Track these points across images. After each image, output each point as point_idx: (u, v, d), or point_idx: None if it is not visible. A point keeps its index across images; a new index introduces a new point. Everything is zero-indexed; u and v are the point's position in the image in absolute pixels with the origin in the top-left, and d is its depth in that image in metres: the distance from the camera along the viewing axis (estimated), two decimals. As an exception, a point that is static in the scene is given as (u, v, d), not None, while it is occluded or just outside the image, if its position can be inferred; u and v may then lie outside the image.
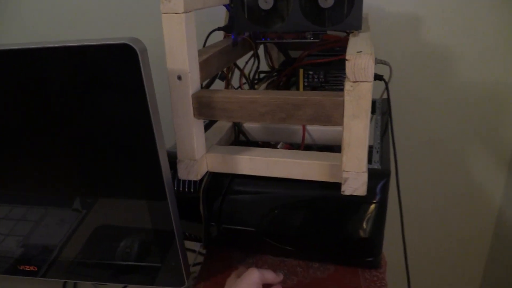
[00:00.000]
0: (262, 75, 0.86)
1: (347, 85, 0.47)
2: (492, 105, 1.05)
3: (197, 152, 0.56)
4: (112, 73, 0.48)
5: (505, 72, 1.01)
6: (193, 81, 0.53)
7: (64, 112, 0.52)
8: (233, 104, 0.53)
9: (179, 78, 0.52)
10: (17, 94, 0.52)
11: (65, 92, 0.50)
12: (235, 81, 0.78)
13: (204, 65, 0.56)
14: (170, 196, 0.54)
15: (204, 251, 0.73)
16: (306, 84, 0.76)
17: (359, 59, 0.45)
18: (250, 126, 0.72)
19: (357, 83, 0.46)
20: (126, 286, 0.77)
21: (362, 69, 0.45)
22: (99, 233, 0.62)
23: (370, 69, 0.45)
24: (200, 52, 0.57)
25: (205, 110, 0.54)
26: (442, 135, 1.11)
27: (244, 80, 0.77)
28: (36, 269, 0.65)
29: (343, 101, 0.48)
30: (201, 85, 0.70)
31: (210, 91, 0.55)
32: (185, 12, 0.49)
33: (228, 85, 0.76)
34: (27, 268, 0.65)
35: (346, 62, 0.46)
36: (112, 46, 0.46)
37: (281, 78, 0.78)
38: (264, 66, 0.86)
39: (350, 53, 0.46)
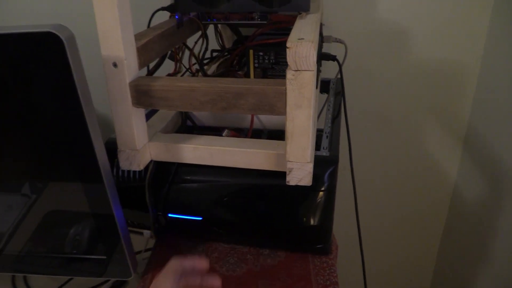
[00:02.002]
0: (214, 54, 0.84)
1: (289, 74, 0.46)
2: (446, 82, 1.06)
3: (138, 142, 0.54)
4: (39, 61, 0.45)
5: (458, 49, 1.02)
6: (130, 68, 0.51)
7: (-10, 102, 0.49)
8: (172, 92, 0.51)
9: (115, 65, 0.50)
10: None
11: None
12: (185, 61, 0.75)
13: (142, 50, 0.53)
14: (107, 182, 0.52)
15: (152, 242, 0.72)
16: (256, 65, 0.74)
17: (300, 46, 0.44)
18: (198, 112, 0.71)
19: (298, 71, 0.45)
20: (72, 278, 0.76)
21: (303, 57, 0.44)
22: (44, 224, 0.60)
23: (311, 57, 0.44)
24: (138, 36, 0.55)
25: (144, 98, 0.52)
26: (397, 112, 1.12)
27: (194, 61, 0.75)
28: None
29: (285, 89, 0.47)
30: (148, 69, 0.69)
31: (149, 78, 0.53)
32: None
33: (177, 66, 0.73)
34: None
35: (287, 50, 0.44)
36: (37, 34, 0.43)
37: (233, 57, 0.77)
38: (215, 46, 0.84)
39: (291, 41, 0.45)
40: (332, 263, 0.63)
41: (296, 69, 0.45)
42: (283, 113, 0.49)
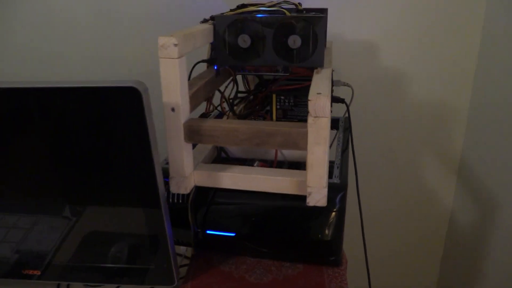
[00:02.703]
0: (239, 95, 0.99)
1: (310, 119, 0.60)
2: (440, 119, 1.21)
3: (186, 170, 0.68)
4: (120, 109, 0.60)
5: (449, 90, 1.18)
6: (184, 112, 0.65)
7: (76, 139, 0.63)
8: (218, 131, 0.65)
9: (173, 110, 0.64)
10: (36, 124, 0.63)
11: (77, 123, 0.62)
12: (215, 101, 0.90)
13: (193, 97, 0.68)
14: (163, 206, 0.66)
15: (189, 255, 0.85)
16: (278, 107, 0.89)
17: (319, 100, 0.58)
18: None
19: (317, 117, 0.60)
20: (119, 286, 0.89)
21: (321, 107, 0.59)
22: (94, 238, 0.73)
23: (327, 108, 0.59)
24: (189, 85, 0.70)
25: (194, 136, 0.66)
26: (397, 147, 1.26)
27: (223, 101, 0.90)
28: (39, 273, 0.76)
29: (307, 131, 0.61)
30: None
31: (199, 120, 0.68)
32: (179, 57, 0.61)
33: (209, 106, 0.88)
34: (30, 272, 0.76)
35: (309, 101, 0.59)
36: (120, 89, 0.58)
37: (259, 100, 0.91)
38: (241, 87, 0.99)
39: (312, 94, 0.59)
40: (342, 273, 0.76)
41: (316, 116, 0.60)
42: (305, 148, 0.63)
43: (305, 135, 0.62)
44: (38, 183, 0.69)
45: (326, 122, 0.60)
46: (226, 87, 0.91)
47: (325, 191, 0.64)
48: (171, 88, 0.63)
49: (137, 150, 0.62)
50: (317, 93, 0.59)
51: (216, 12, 0.82)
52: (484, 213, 1.13)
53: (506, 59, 1.01)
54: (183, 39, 0.62)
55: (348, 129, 0.97)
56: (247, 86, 0.98)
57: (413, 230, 1.38)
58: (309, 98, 0.59)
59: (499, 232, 1.06)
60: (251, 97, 0.93)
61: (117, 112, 0.60)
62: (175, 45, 0.60)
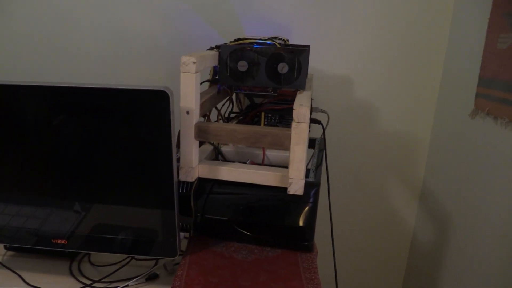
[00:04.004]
0: (232, 115, 1.20)
1: (293, 124, 0.81)
2: (404, 149, 1.45)
3: (194, 162, 0.88)
4: (150, 109, 0.80)
5: (412, 124, 1.41)
6: (196, 116, 0.86)
7: (107, 138, 0.83)
8: (221, 131, 0.86)
9: (188, 113, 0.85)
10: (71, 122, 0.83)
11: (111, 120, 0.82)
12: (213, 118, 1.11)
13: (202, 106, 0.89)
14: (176, 190, 0.86)
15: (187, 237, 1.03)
16: (266, 123, 1.10)
17: (301, 109, 0.80)
18: (226, 150, 1.06)
19: (299, 123, 0.81)
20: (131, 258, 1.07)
21: (302, 115, 0.80)
22: (112, 215, 0.91)
23: (307, 115, 0.80)
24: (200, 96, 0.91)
25: (202, 134, 0.86)
26: (366, 169, 1.49)
27: (220, 117, 1.11)
28: (66, 242, 0.94)
29: (291, 133, 0.82)
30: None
31: (207, 122, 0.89)
32: (195, 72, 0.83)
33: (206, 120, 1.09)
34: (58, 241, 0.94)
35: (293, 110, 0.80)
36: (153, 91, 0.79)
37: (248, 118, 1.13)
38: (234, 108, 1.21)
39: (296, 105, 0.81)
40: (313, 258, 0.95)
41: (298, 121, 0.81)
42: (288, 148, 0.84)
43: (289, 136, 0.83)
44: (76, 168, 0.88)
45: (305, 127, 0.81)
46: (223, 105, 1.13)
47: (302, 182, 0.85)
48: (187, 96, 0.84)
49: (160, 143, 0.82)
50: (300, 104, 0.81)
51: (211, 42, 1.04)
52: (442, 234, 1.34)
53: (463, 95, 1.25)
54: (199, 59, 0.83)
55: (323, 150, 1.18)
56: (240, 105, 1.19)
57: (378, 248, 1.58)
58: (294, 107, 0.80)
59: (455, 250, 1.27)
60: (243, 115, 1.15)
61: (147, 111, 0.81)
62: (194, 63, 0.82)
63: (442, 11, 1.32)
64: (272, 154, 1.04)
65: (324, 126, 1.14)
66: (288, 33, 1.37)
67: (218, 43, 1.01)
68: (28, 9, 1.41)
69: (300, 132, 0.82)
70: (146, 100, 0.80)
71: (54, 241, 0.94)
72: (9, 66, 1.48)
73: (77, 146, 0.86)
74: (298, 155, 0.83)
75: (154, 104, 0.80)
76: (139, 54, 1.43)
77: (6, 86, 0.83)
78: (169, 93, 0.78)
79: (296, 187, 0.85)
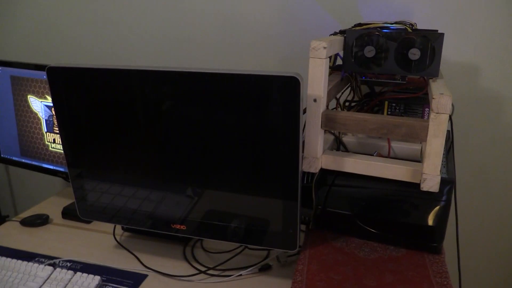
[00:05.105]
0: (352, 103, 1.16)
1: (432, 115, 0.76)
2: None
3: (318, 152, 0.86)
4: (280, 95, 0.79)
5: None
6: (323, 103, 0.83)
7: (231, 124, 0.83)
8: (350, 120, 0.83)
9: (315, 100, 0.83)
10: (198, 107, 0.84)
11: (236, 107, 0.82)
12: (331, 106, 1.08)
13: (329, 93, 0.86)
14: (300, 180, 0.84)
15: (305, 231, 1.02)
16: (389, 113, 1.05)
17: (442, 98, 0.74)
18: (347, 140, 1.02)
19: (438, 113, 0.75)
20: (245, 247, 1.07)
21: (443, 105, 0.75)
22: (236, 204, 0.92)
23: (448, 105, 0.74)
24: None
25: (330, 123, 0.84)
26: (493, 167, 1.37)
27: (338, 106, 1.07)
28: (185, 228, 0.96)
29: (428, 125, 0.77)
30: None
31: (335, 111, 0.86)
32: (325, 58, 0.80)
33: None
34: (177, 226, 0.96)
35: (432, 99, 0.75)
36: (284, 77, 0.77)
37: (368, 107, 1.08)
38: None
39: (435, 94, 0.75)
40: (442, 260, 0.89)
41: (437, 112, 0.75)
42: (424, 140, 0.79)
43: (426, 128, 0.78)
44: (200, 153, 0.89)
45: (445, 118, 0.75)
46: (342, 93, 1.09)
47: (438, 178, 0.79)
48: (315, 82, 0.81)
49: (287, 131, 0.81)
50: (440, 93, 0.76)
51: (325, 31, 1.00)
52: None
53: None
54: (329, 44, 0.80)
55: (451, 144, 1.10)
56: (359, 94, 1.15)
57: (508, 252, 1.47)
58: (433, 96, 0.75)
59: None
60: (363, 104, 1.10)
61: (276, 98, 0.79)
62: (324, 48, 0.79)
63: None
64: (398, 146, 0.99)
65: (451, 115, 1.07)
66: (409, 18, 1.30)
67: (335, 31, 0.98)
68: (145, -3, 1.47)
69: (439, 123, 0.76)
70: (275, 86, 0.79)
71: (173, 226, 0.97)
72: (123, 53, 1.56)
73: (200, 131, 0.87)
74: (435, 148, 0.78)
75: (283, 91, 0.78)
76: (250, 42, 1.43)
77: (135, 71, 0.86)
78: (300, 80, 0.76)
79: (431, 184, 0.80)
